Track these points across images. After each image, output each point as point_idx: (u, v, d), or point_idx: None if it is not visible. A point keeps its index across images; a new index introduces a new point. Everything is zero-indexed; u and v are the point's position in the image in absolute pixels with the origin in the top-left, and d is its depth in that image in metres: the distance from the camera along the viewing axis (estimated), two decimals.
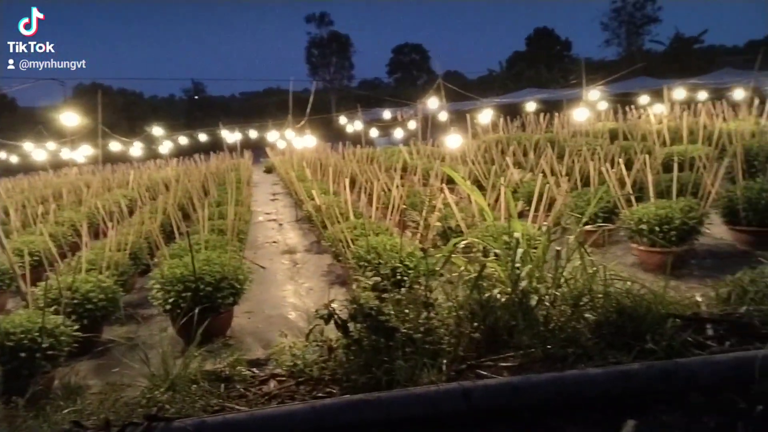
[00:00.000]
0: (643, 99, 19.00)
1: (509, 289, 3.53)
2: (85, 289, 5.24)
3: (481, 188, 7.92)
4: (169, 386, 3.18)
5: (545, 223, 4.93)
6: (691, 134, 11.13)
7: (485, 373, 3.05)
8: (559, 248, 3.63)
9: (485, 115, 17.32)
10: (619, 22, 57.20)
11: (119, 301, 5.61)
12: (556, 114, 16.72)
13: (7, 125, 31.06)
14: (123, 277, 6.32)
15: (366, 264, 5.19)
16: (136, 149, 19.62)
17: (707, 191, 6.43)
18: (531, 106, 19.88)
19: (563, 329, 3.22)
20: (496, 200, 6.64)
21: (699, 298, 3.77)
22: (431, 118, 19.25)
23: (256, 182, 18.95)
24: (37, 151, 18.52)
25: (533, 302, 3.43)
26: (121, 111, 40.35)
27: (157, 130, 20.69)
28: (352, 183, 10.25)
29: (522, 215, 6.38)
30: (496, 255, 3.92)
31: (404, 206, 7.45)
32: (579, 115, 13.65)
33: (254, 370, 3.67)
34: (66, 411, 2.98)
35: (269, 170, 21.73)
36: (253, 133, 24.12)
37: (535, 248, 3.89)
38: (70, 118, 12.36)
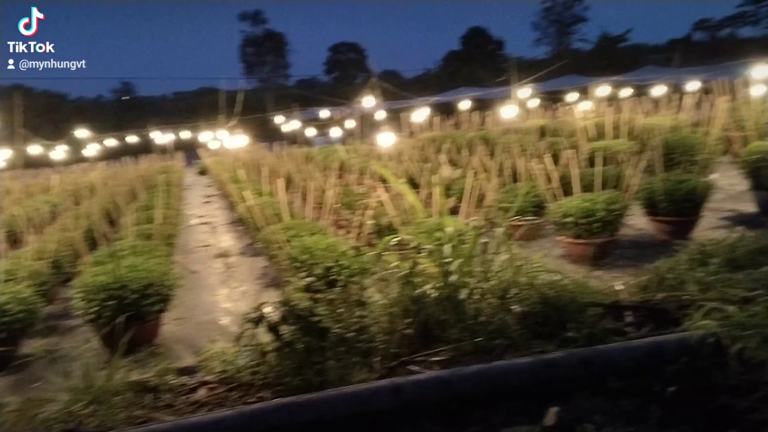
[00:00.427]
0: (572, 96, 19.66)
1: (440, 284, 3.58)
2: (0, 301, 4.95)
3: (416, 186, 8.02)
4: (92, 399, 3.05)
5: (474, 218, 5.03)
6: (615, 129, 11.61)
7: (417, 368, 3.08)
8: (487, 242, 3.71)
9: (421, 114, 17.51)
10: (548, 22, 59.18)
11: (39, 312, 5.33)
12: (489, 112, 17.12)
13: None
14: (44, 287, 6.01)
15: (300, 265, 5.14)
16: (59, 152, 18.69)
17: (629, 184, 6.72)
18: (465, 105, 20.22)
19: (492, 321, 3.29)
20: (429, 197, 6.71)
21: (620, 287, 3.92)
22: (368, 117, 19.30)
23: (190, 184, 18.48)
24: None
25: (463, 296, 3.49)
26: (45, 113, 38.39)
27: (81, 132, 19.76)
28: (288, 183, 10.15)
29: (456, 211, 6.48)
30: (428, 251, 3.96)
31: (338, 205, 7.43)
32: (507, 112, 14.02)
33: (183, 378, 3.56)
34: None
35: (203, 172, 21.23)
36: (185, 134, 23.44)
37: (466, 243, 3.96)
38: None
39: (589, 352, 2.72)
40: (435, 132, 16.40)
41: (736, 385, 2.44)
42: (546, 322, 3.11)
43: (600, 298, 3.56)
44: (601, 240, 6.10)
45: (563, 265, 5.80)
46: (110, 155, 21.73)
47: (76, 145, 21.25)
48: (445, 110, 21.17)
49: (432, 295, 3.53)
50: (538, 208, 7.12)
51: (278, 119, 24.13)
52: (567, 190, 6.95)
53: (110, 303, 4.77)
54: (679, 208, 6.69)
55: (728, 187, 9.15)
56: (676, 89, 16.23)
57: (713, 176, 7.83)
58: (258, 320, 3.24)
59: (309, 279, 3.99)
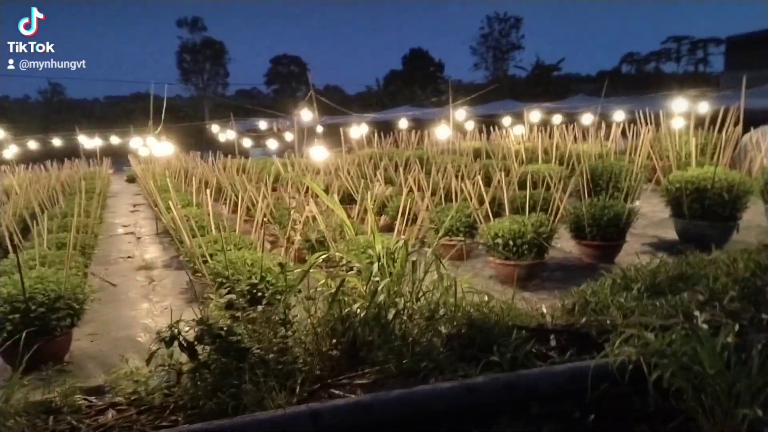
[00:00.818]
0: (507, 120, 20.17)
1: (368, 304, 3.49)
2: None
3: (352, 202, 7.94)
4: None
5: (403, 237, 4.99)
6: (546, 154, 11.97)
7: (338, 392, 2.96)
8: (416, 261, 3.66)
9: (359, 130, 17.50)
10: (486, 48, 61.02)
11: None
12: (427, 132, 17.34)
13: None
14: None
15: (224, 280, 4.93)
16: None
17: (557, 207, 6.89)
18: (404, 123, 20.40)
19: (419, 343, 3.22)
20: (364, 214, 6.65)
21: (545, 310, 3.95)
22: (307, 130, 19.14)
23: (117, 192, 17.72)
24: None
25: (390, 316, 3.41)
26: None
27: None
28: (219, 194, 9.85)
29: (391, 229, 6.44)
30: (358, 269, 3.88)
31: (267, 219, 7.25)
32: (441, 133, 14.23)
33: (91, 399, 3.30)
34: None
35: (132, 179, 20.39)
36: (115, 140, 22.51)
37: (396, 262, 3.89)
38: None
39: (512, 377, 2.70)
40: (373, 149, 16.46)
41: (654, 412, 2.46)
42: (471, 345, 3.08)
43: (526, 320, 3.56)
44: (529, 262, 6.21)
45: (492, 286, 5.85)
46: (33, 159, 20.52)
47: None
48: (385, 128, 21.28)
49: (360, 315, 3.44)
50: (470, 228, 7.18)
51: (215, 128, 23.58)
52: (498, 212, 7.06)
53: (14, 316, 4.42)
54: (605, 232, 6.92)
55: (651, 213, 9.57)
56: (604, 118, 16.94)
57: (637, 203, 8.17)
58: (171, 339, 3.05)
59: (230, 296, 3.80)
